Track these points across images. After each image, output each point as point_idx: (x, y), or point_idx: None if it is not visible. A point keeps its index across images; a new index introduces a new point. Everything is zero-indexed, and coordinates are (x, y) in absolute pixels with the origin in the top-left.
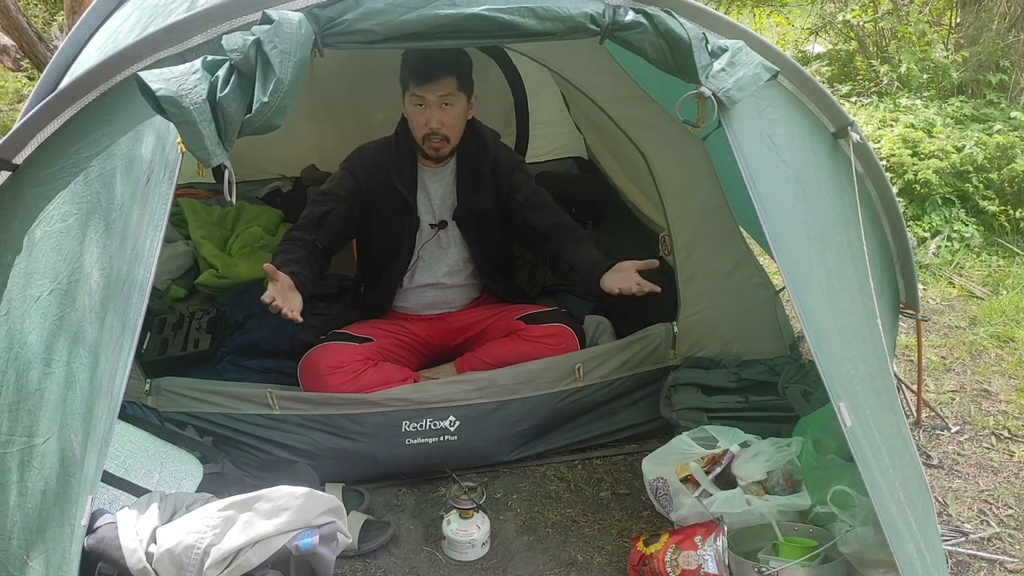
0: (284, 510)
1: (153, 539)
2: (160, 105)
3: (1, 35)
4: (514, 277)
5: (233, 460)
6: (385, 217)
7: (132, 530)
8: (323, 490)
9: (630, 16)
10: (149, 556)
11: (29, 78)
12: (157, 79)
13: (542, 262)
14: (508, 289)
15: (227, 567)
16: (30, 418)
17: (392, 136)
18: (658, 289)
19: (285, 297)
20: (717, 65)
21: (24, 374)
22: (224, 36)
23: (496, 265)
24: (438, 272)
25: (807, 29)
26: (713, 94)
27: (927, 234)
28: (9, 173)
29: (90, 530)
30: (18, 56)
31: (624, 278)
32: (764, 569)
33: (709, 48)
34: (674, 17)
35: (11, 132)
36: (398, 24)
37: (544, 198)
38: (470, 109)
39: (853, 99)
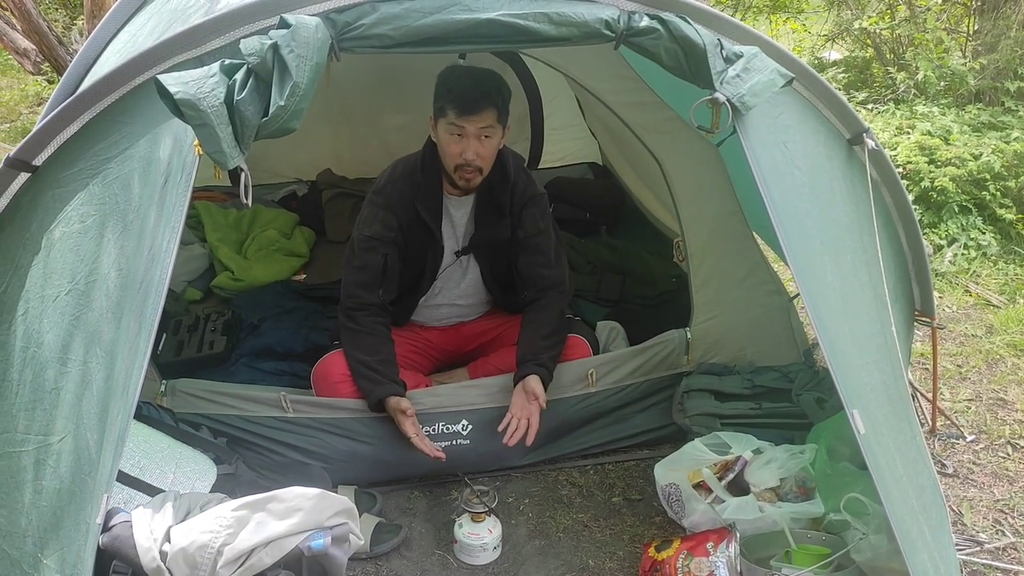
0: (297, 511)
1: (167, 538)
2: (178, 108)
3: (22, 39)
4: (521, 294)
5: (247, 461)
6: (411, 246)
7: (147, 529)
8: (336, 492)
9: (645, 22)
10: (163, 555)
11: (49, 81)
12: (175, 82)
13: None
14: (516, 308)
15: (240, 567)
16: (46, 417)
17: (418, 161)
18: (528, 443)
19: (419, 433)
20: (732, 71)
21: (41, 373)
22: (242, 40)
23: (507, 286)
24: (454, 294)
25: (823, 36)
26: (728, 100)
27: (943, 242)
28: (29, 174)
29: (105, 528)
30: (38, 59)
31: (516, 406)
32: None
33: (724, 54)
34: (689, 23)
35: (31, 134)
36: (414, 29)
37: (541, 244)
38: (503, 139)
39: (869, 106)
